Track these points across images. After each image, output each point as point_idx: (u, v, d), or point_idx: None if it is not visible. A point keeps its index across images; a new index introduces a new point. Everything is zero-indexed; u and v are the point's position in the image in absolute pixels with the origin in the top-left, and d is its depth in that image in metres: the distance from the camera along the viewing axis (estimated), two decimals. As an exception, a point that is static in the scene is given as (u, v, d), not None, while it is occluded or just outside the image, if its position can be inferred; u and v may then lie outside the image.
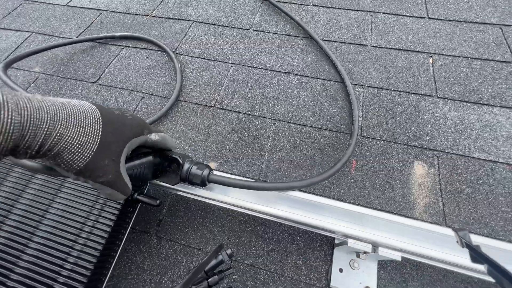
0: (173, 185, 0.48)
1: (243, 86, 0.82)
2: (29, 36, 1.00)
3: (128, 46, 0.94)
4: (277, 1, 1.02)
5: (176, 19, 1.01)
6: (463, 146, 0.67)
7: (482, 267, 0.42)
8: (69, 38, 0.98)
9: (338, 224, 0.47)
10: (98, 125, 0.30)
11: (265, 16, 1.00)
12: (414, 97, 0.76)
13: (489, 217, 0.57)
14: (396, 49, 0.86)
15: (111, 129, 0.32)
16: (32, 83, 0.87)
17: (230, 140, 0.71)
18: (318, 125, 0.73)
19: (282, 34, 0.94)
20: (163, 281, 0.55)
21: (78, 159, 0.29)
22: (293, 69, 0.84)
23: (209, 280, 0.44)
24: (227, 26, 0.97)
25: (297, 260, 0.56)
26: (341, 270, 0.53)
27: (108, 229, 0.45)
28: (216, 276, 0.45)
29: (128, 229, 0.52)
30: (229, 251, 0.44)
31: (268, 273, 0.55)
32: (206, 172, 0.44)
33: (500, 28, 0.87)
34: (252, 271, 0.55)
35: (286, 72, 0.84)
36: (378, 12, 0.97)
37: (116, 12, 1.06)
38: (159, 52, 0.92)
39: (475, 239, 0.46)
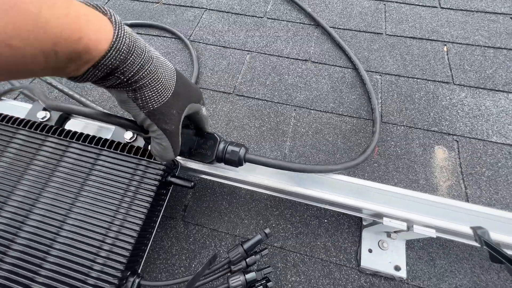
0: (208, 163, 0.47)
1: (261, 73, 0.81)
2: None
3: (140, 34, 0.92)
4: (289, -10, 1.02)
5: (187, 6, 1.00)
6: (481, 131, 0.68)
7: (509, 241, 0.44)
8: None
9: (371, 203, 0.48)
10: (174, 77, 0.32)
11: (279, 4, 0.99)
12: (431, 84, 0.77)
13: (510, 198, 0.59)
14: (411, 37, 0.87)
15: (181, 85, 0.33)
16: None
17: (251, 126, 0.71)
18: (339, 111, 0.73)
19: (297, 22, 0.93)
20: (193, 265, 0.55)
21: (155, 98, 0.30)
22: (310, 56, 0.84)
23: (247, 260, 0.44)
24: (240, 14, 0.96)
25: (326, 242, 0.56)
26: (370, 251, 0.54)
27: (145, 210, 0.44)
28: (253, 256, 0.45)
29: (161, 213, 0.51)
30: (267, 230, 0.44)
31: (298, 255, 0.55)
32: (243, 151, 0.44)
33: (511, 17, 0.89)
34: (282, 254, 0.55)
35: (303, 60, 0.84)
36: (391, 2, 0.97)
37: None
38: (173, 39, 0.90)
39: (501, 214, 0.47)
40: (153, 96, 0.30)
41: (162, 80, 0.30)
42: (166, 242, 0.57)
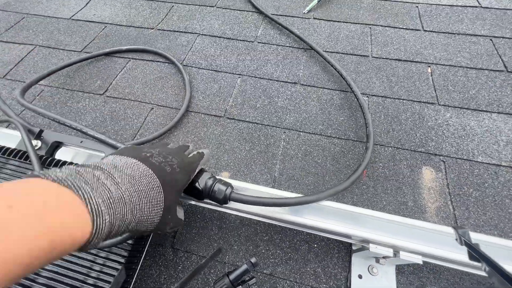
0: (200, 200, 0.48)
1: (251, 96, 0.83)
2: (33, 49, 1.00)
3: (135, 59, 0.95)
4: (278, 15, 1.06)
5: (181, 31, 1.03)
6: (467, 151, 0.69)
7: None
8: (75, 51, 0.98)
9: (358, 229, 0.48)
10: (161, 195, 0.33)
11: (269, 29, 1.03)
12: (417, 104, 0.79)
13: (498, 219, 0.59)
14: (396, 59, 0.90)
15: (169, 192, 0.34)
16: (38, 96, 0.86)
17: (242, 150, 0.72)
18: (327, 133, 0.74)
19: (286, 46, 0.97)
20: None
21: (148, 226, 0.33)
22: (299, 79, 0.87)
23: (234, 291, 0.44)
24: (232, 39, 1.00)
25: (316, 267, 0.56)
26: (360, 276, 0.54)
27: (130, 241, 0.44)
28: (241, 286, 0.44)
29: (149, 241, 0.51)
30: (253, 260, 0.44)
31: (287, 282, 0.55)
32: (229, 190, 0.44)
33: (491, 39, 0.93)
34: (271, 281, 0.55)
35: (292, 82, 0.86)
36: (376, 25, 1.01)
37: (121, 25, 1.08)
38: (166, 64, 0.93)
39: (487, 239, 0.47)
40: (146, 226, 0.32)
41: (150, 213, 0.32)
42: (154, 271, 0.56)
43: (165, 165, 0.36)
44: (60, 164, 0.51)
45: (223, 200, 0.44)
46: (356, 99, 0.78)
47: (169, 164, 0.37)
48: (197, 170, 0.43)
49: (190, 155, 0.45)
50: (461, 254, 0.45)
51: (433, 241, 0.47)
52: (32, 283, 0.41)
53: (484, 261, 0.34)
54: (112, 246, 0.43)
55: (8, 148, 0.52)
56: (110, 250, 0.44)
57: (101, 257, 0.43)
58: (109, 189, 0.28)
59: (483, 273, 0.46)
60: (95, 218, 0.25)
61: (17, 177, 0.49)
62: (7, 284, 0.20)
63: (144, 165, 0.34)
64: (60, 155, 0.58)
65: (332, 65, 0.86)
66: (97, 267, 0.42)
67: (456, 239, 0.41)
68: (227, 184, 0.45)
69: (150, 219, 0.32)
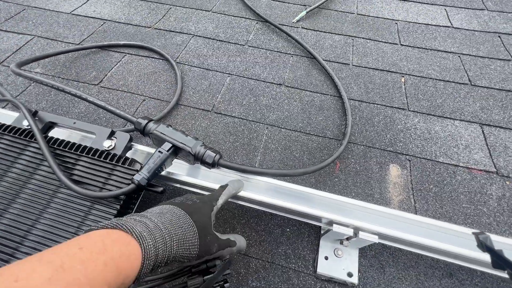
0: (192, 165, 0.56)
1: (238, 94, 0.89)
2: (31, 39, 1.04)
3: (131, 54, 1.00)
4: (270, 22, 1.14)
5: (177, 32, 1.09)
6: (430, 152, 0.77)
7: (448, 249, 0.50)
8: (73, 43, 1.02)
9: (325, 212, 0.53)
10: (189, 220, 0.39)
11: (260, 35, 1.10)
12: (389, 109, 0.86)
13: (453, 212, 0.66)
14: (374, 68, 0.98)
15: (195, 217, 0.40)
16: (33, 83, 0.89)
17: (226, 141, 0.77)
18: (306, 130, 0.81)
19: (275, 51, 1.04)
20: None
21: (190, 248, 0.38)
22: (284, 81, 0.94)
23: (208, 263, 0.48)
24: (224, 41, 1.06)
25: (286, 249, 0.61)
26: (326, 258, 0.59)
27: (114, 212, 0.48)
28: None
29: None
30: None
31: (260, 261, 0.59)
32: (217, 157, 0.53)
33: (459, 56, 1.02)
34: (245, 260, 0.59)
35: (278, 84, 0.93)
36: (358, 37, 1.10)
37: (120, 22, 1.13)
38: (161, 60, 0.98)
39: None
40: (190, 249, 0.38)
41: (186, 239, 0.37)
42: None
43: (186, 201, 0.44)
44: (53, 141, 0.54)
45: (212, 164, 0.52)
46: (342, 103, 0.85)
47: (189, 199, 0.45)
48: (221, 200, 0.48)
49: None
50: (415, 236, 0.51)
51: (390, 224, 0.52)
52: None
53: (509, 267, 0.32)
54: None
55: (3, 124, 0.56)
56: (94, 219, 0.47)
57: (86, 226, 0.47)
58: (145, 222, 0.35)
59: (434, 255, 0.52)
60: (141, 241, 0.31)
61: (11, 151, 0.53)
62: None
63: (168, 205, 0.41)
64: (52, 134, 0.62)
65: (326, 70, 0.94)
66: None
67: (478, 245, 0.38)
68: (217, 152, 0.53)
69: (188, 241, 0.37)
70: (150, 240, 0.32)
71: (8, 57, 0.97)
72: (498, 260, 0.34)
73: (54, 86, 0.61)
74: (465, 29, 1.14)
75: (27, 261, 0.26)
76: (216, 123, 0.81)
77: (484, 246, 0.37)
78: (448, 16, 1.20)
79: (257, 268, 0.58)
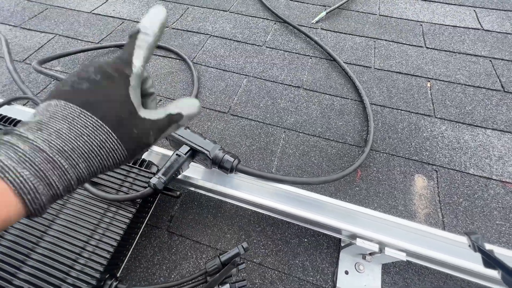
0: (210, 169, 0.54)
1: (255, 96, 0.87)
2: (53, 37, 1.06)
3: (148, 53, 1.00)
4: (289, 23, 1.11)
5: (194, 32, 1.09)
6: (459, 162, 0.72)
7: (482, 271, 0.46)
8: (92, 42, 1.03)
9: (348, 224, 0.50)
10: (92, 118, 0.25)
11: (278, 35, 1.08)
12: (414, 116, 0.82)
13: (485, 229, 0.61)
14: (397, 72, 0.94)
15: (102, 107, 0.26)
16: (53, 81, 0.91)
17: (242, 145, 0.75)
18: (326, 135, 0.77)
19: (293, 52, 1.01)
20: (172, 276, 0.56)
21: (116, 153, 0.26)
22: (303, 84, 0.91)
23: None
24: (242, 42, 1.05)
25: (304, 261, 0.58)
26: (346, 272, 0.55)
27: (130, 215, 0.47)
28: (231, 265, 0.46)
29: (146, 220, 0.53)
30: (245, 245, 0.46)
31: (276, 272, 0.56)
32: (236, 162, 0.51)
33: (490, 60, 0.96)
34: (260, 270, 0.57)
35: (296, 86, 0.90)
36: (380, 39, 1.06)
37: (138, 21, 1.13)
38: (177, 60, 0.98)
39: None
40: (117, 153, 0.26)
41: (103, 153, 0.25)
42: (148, 251, 0.58)
43: (79, 83, 0.26)
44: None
45: (230, 170, 0.51)
46: (363, 108, 0.82)
47: (83, 78, 0.27)
48: (136, 59, 0.28)
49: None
50: (446, 255, 0.47)
51: (419, 241, 0.49)
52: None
53: (499, 267, 0.33)
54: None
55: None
56: (111, 222, 0.46)
57: (101, 228, 0.46)
58: (17, 147, 0.23)
59: (465, 276, 0.48)
60: (24, 196, 0.22)
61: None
62: None
63: (54, 101, 0.25)
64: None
65: (347, 73, 0.91)
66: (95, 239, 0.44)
67: (469, 245, 0.40)
68: (235, 156, 0.51)
69: (100, 149, 0.25)
70: (23, 170, 0.22)
71: (30, 55, 0.99)
72: (489, 260, 0.35)
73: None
74: (496, 31, 1.07)
75: None
76: (232, 125, 0.79)
77: (476, 246, 0.38)
78: (477, 18, 1.13)
79: (273, 279, 0.55)
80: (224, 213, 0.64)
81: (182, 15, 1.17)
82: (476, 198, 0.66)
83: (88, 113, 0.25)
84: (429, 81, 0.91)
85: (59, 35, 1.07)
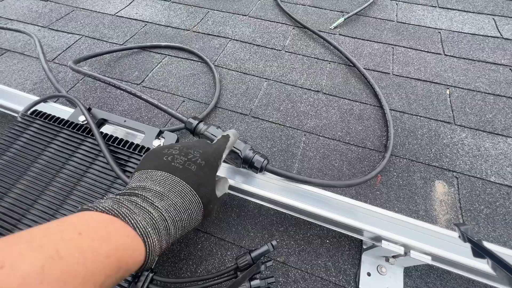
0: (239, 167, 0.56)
1: (275, 99, 0.89)
2: (80, 38, 1.10)
3: (170, 55, 1.03)
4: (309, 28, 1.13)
5: (214, 35, 1.11)
6: (480, 170, 0.72)
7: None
8: (117, 43, 1.07)
9: (372, 226, 0.51)
10: (195, 197, 0.35)
11: (296, 40, 1.10)
12: (434, 122, 0.82)
13: (507, 237, 0.61)
14: (416, 79, 0.94)
15: (202, 189, 0.36)
16: (81, 80, 0.94)
17: (264, 147, 0.77)
18: (345, 140, 0.79)
19: (312, 57, 1.03)
20: (199, 271, 0.58)
21: (194, 224, 0.37)
22: (322, 88, 0.92)
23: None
24: (261, 46, 1.07)
25: (326, 261, 0.59)
26: (369, 274, 0.56)
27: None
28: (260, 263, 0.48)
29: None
30: (274, 242, 0.48)
31: (299, 271, 0.58)
32: (265, 162, 0.53)
33: (510, 69, 0.96)
34: (284, 269, 0.58)
35: (315, 91, 0.91)
36: (398, 46, 1.07)
37: (160, 24, 1.17)
38: (199, 62, 1.00)
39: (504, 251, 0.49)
40: (195, 224, 0.37)
41: (191, 219, 0.35)
42: (175, 246, 0.60)
43: (189, 164, 0.36)
44: (107, 137, 0.56)
45: (260, 169, 0.53)
46: (383, 113, 0.83)
47: (192, 161, 0.37)
48: (224, 155, 0.43)
49: (214, 141, 0.46)
50: (470, 259, 0.48)
51: (443, 245, 0.49)
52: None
53: (488, 256, 0.35)
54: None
55: (63, 119, 0.59)
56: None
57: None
58: (148, 211, 0.30)
59: (491, 282, 0.49)
60: (145, 239, 0.28)
61: (70, 145, 0.56)
62: None
63: (170, 176, 0.34)
64: (103, 130, 0.64)
65: (366, 79, 0.92)
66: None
67: (459, 236, 0.41)
68: (265, 157, 0.53)
69: (193, 220, 0.35)
70: (155, 236, 0.29)
71: (58, 54, 1.03)
72: (478, 249, 0.36)
73: (110, 83, 0.64)
74: (516, 40, 1.07)
75: (13, 243, 0.21)
76: (253, 127, 0.81)
77: (465, 237, 0.39)
78: (497, 26, 1.13)
79: (296, 278, 0.57)
80: (247, 212, 0.65)
81: (202, 18, 1.20)
82: (498, 206, 0.66)
83: (194, 192, 0.35)
84: (448, 88, 0.92)
85: (85, 36, 1.11)
